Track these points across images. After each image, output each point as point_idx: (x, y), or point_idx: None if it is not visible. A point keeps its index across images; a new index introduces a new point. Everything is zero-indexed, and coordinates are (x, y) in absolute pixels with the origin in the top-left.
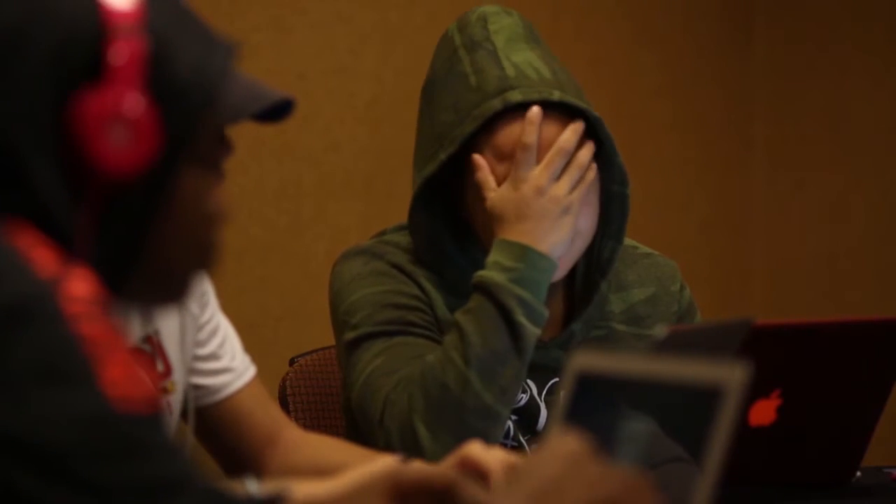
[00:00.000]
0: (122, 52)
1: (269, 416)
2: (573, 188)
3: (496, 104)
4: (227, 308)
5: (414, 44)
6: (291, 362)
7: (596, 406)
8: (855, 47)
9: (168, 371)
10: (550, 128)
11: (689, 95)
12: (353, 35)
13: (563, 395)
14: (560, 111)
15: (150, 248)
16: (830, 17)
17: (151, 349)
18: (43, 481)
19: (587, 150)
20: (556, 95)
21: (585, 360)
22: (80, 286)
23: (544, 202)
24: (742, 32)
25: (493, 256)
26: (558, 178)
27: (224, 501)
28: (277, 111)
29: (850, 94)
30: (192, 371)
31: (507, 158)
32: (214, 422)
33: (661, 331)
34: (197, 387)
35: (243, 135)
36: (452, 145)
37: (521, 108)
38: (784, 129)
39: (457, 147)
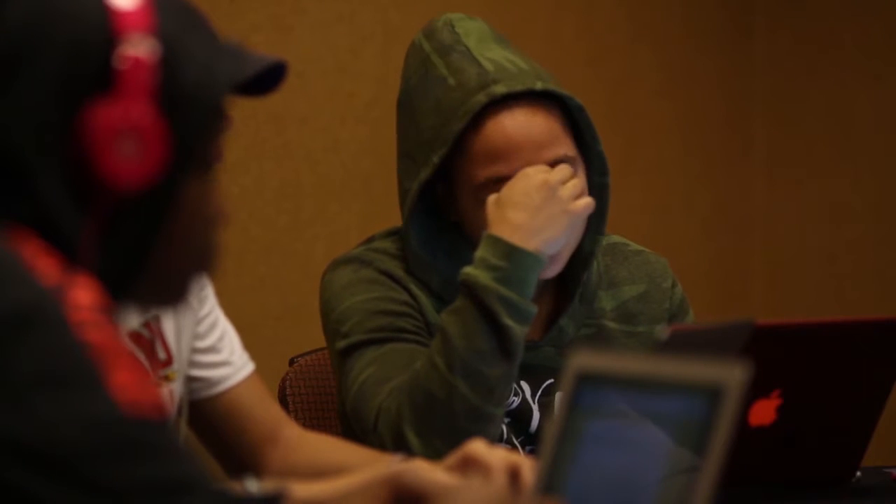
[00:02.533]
0: (133, 61)
1: (269, 414)
2: (577, 198)
3: (481, 98)
4: (228, 308)
5: None
6: (291, 362)
7: (596, 407)
8: (855, 47)
9: (170, 359)
10: (537, 118)
11: (689, 95)
12: (353, 35)
13: (562, 396)
14: (543, 100)
15: (155, 255)
16: (831, 17)
17: (150, 335)
18: (52, 485)
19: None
20: (539, 85)
21: (584, 361)
22: (83, 294)
23: (547, 196)
24: (742, 32)
25: (481, 251)
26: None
27: (231, 503)
28: (267, 81)
29: (850, 94)
30: (192, 363)
31: (501, 156)
32: (212, 416)
33: (662, 332)
34: (196, 379)
35: (243, 135)
36: (444, 146)
37: (506, 101)
38: (784, 129)
39: (448, 147)
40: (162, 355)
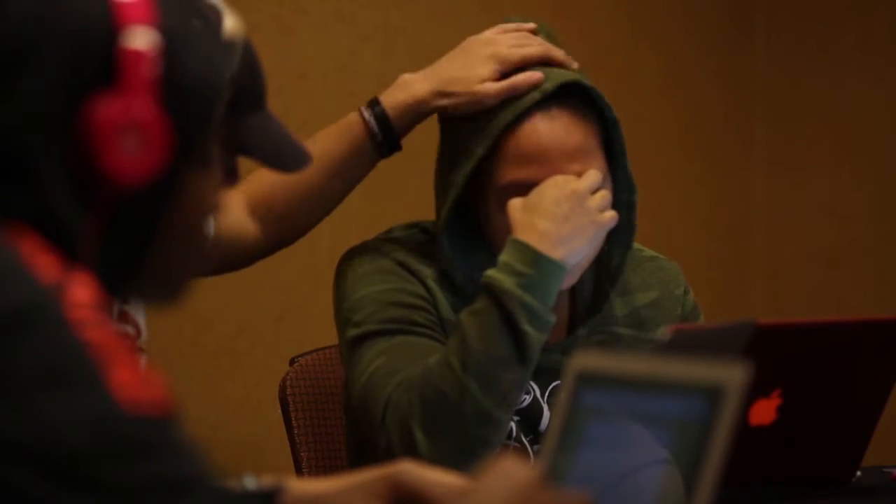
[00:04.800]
0: (135, 54)
1: None
2: (603, 210)
3: (535, 95)
4: (228, 308)
5: (414, 44)
6: (291, 362)
7: (596, 408)
8: (856, 47)
9: (139, 332)
10: (575, 129)
11: (689, 95)
12: (353, 35)
13: (562, 397)
14: (585, 111)
15: (155, 248)
16: (831, 16)
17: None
18: (52, 485)
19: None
20: (588, 80)
21: (585, 362)
22: (82, 292)
23: (576, 206)
24: (743, 32)
25: (505, 256)
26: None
27: (232, 501)
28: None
29: (850, 94)
30: None
31: (531, 161)
32: None
33: (664, 332)
34: None
35: None
36: (489, 138)
37: (548, 107)
38: (784, 129)
39: (493, 139)
40: (131, 329)
